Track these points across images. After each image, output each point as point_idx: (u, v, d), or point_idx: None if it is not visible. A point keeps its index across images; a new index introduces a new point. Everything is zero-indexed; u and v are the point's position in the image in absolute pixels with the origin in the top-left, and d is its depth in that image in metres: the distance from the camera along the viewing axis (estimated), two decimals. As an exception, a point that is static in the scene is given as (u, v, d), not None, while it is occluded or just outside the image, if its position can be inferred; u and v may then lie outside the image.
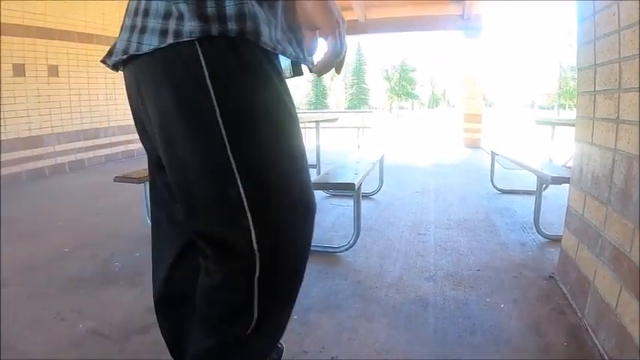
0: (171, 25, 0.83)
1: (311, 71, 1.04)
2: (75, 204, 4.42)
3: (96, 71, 7.22)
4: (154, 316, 1.68)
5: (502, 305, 2.00)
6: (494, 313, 1.93)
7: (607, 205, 1.65)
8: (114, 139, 7.70)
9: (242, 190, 0.88)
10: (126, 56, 0.89)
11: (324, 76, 1.06)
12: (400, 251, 2.74)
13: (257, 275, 0.92)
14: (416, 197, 4.30)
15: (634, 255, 1.39)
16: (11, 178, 5.72)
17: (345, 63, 1.09)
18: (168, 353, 1.59)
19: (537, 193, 2.94)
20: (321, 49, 1.01)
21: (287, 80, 1.00)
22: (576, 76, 2.13)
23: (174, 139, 0.90)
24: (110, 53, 1.01)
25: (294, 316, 1.93)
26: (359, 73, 70.99)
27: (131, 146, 8.11)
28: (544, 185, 2.96)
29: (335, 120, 5.33)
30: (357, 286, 2.22)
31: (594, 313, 1.69)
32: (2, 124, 5.65)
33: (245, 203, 0.88)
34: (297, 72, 1.06)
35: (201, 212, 0.94)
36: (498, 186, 4.56)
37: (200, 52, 0.83)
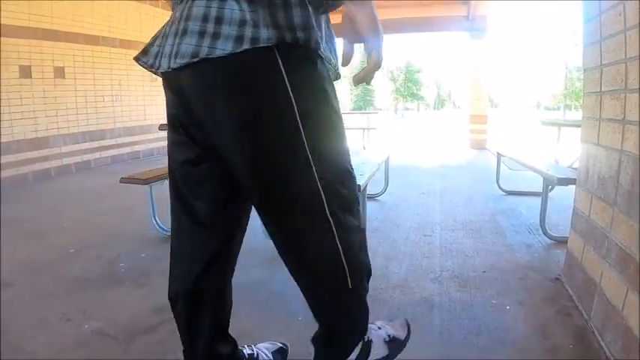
0: (247, 32, 0.91)
1: (337, 79, 1.16)
2: (81, 205, 4.44)
3: (102, 73, 7.25)
4: (160, 317, 1.69)
5: (508, 307, 1.99)
6: (499, 314, 1.93)
7: (613, 206, 1.64)
8: (120, 141, 7.73)
9: (315, 171, 1.03)
10: (196, 59, 0.94)
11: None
12: (405, 252, 2.74)
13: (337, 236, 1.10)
14: (421, 198, 4.29)
15: (641, 256, 1.38)
16: (18, 179, 5.76)
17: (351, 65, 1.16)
18: (173, 353, 1.60)
19: (543, 195, 2.93)
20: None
21: None
22: (582, 77, 2.12)
23: (255, 134, 0.99)
24: (145, 52, 1.09)
25: (298, 317, 1.93)
26: (364, 74, 70.22)
27: (137, 147, 8.15)
28: (550, 186, 2.94)
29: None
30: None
31: (600, 315, 1.68)
32: (9, 125, 5.69)
33: (318, 184, 1.04)
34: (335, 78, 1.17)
35: (278, 191, 1.07)
36: (504, 187, 4.54)
37: (278, 57, 0.94)
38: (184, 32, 0.97)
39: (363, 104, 65.95)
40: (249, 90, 0.97)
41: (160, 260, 2.69)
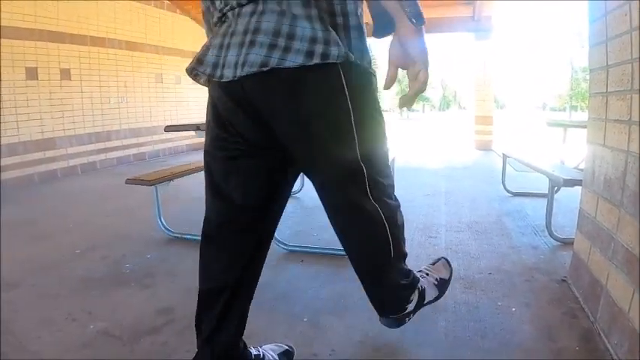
0: (318, 48, 1.05)
1: None
2: (86, 206, 4.46)
3: (107, 74, 7.29)
4: (165, 318, 1.69)
5: (514, 309, 1.98)
6: (505, 316, 1.92)
7: (619, 207, 1.63)
8: (125, 142, 7.76)
9: (364, 168, 1.21)
10: (266, 68, 1.05)
11: None
12: (411, 254, 2.70)
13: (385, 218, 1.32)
14: (427, 200, 4.28)
15: (647, 258, 1.37)
16: (24, 180, 5.79)
17: None
18: (178, 354, 1.60)
19: (549, 196, 2.91)
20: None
21: None
22: (588, 78, 2.11)
23: (317, 132, 1.16)
24: (200, 62, 1.21)
25: (303, 319, 1.93)
26: (369, 75, 70.18)
27: (142, 149, 8.18)
28: (556, 188, 2.93)
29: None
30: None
31: (607, 317, 1.67)
32: (15, 126, 5.72)
33: (365, 173, 1.22)
34: None
35: (336, 178, 1.25)
36: (510, 188, 4.52)
37: (341, 72, 1.09)
38: (252, 44, 1.08)
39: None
40: (315, 96, 1.11)
41: (165, 261, 2.70)
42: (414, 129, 22.60)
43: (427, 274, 1.71)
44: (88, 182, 5.97)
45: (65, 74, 6.47)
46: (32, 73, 5.93)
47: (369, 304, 2.02)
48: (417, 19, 1.09)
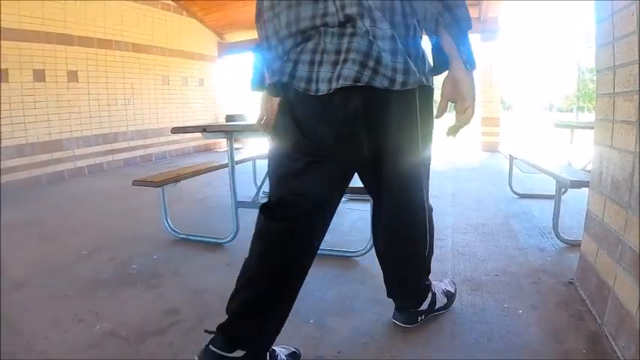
0: (399, 77, 1.29)
1: None
2: (93, 207, 4.48)
3: (114, 76, 7.34)
4: (171, 319, 1.69)
5: (520, 311, 1.97)
6: (512, 318, 1.91)
7: (627, 209, 1.62)
8: (132, 144, 7.80)
9: (423, 175, 1.55)
10: (359, 84, 1.27)
11: None
12: (416, 255, 2.72)
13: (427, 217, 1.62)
14: (433, 201, 4.18)
15: (656, 260, 1.36)
16: (31, 181, 5.84)
17: None
18: (184, 355, 1.61)
19: (556, 198, 2.89)
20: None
21: None
22: (595, 78, 2.10)
23: (397, 144, 1.42)
24: (292, 77, 1.36)
25: (310, 320, 1.93)
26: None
27: (149, 150, 8.22)
28: (563, 189, 2.91)
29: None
30: (374, 290, 2.21)
31: (614, 320, 1.66)
32: (23, 128, 5.77)
33: (424, 179, 1.57)
34: None
35: (406, 183, 1.52)
36: (517, 190, 4.50)
37: (416, 95, 1.36)
38: (345, 61, 1.27)
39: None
40: (396, 114, 1.36)
41: (172, 262, 2.71)
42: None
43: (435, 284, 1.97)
44: (95, 183, 6.00)
45: (72, 76, 6.52)
46: (40, 75, 5.98)
47: (376, 307, 2.03)
48: (470, 64, 1.33)
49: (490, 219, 3.56)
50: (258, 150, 4.96)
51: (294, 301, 1.53)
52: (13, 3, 5.54)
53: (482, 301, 2.08)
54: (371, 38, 1.26)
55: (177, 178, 3.20)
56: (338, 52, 1.29)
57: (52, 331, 1.89)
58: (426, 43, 1.42)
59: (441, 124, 1.57)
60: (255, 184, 4.51)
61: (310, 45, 1.33)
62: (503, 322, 1.87)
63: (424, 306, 1.83)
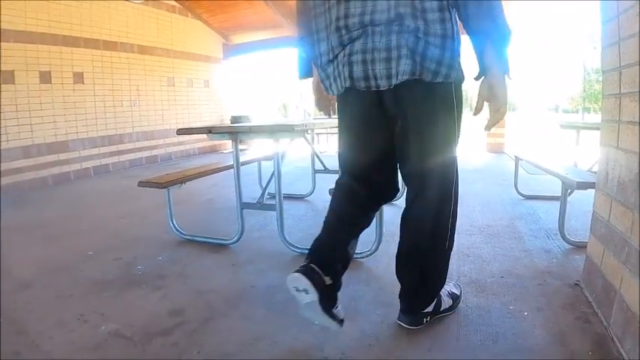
0: (442, 70, 1.49)
1: None
2: (99, 208, 4.49)
3: (120, 78, 7.36)
4: (176, 319, 1.69)
5: (526, 313, 1.96)
6: (517, 321, 1.90)
7: (633, 210, 1.61)
8: (138, 145, 7.83)
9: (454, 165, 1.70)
10: (414, 77, 1.48)
11: None
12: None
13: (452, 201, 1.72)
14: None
15: (662, 262, 1.35)
16: (38, 182, 5.87)
17: None
18: (188, 355, 1.61)
19: (562, 199, 2.88)
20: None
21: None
22: (601, 79, 2.09)
23: (436, 122, 1.60)
24: (352, 79, 1.56)
25: (315, 321, 1.92)
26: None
27: (155, 152, 8.24)
28: (569, 190, 2.89)
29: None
30: (379, 292, 2.21)
31: (620, 322, 1.65)
32: (29, 129, 5.80)
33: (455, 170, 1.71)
34: None
35: (435, 160, 1.64)
36: (522, 191, 4.48)
37: (453, 87, 1.58)
38: (399, 58, 1.46)
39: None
40: (441, 103, 1.58)
41: (177, 263, 2.71)
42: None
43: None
44: (101, 184, 6.02)
45: (78, 78, 6.55)
46: (46, 77, 6.01)
47: (381, 308, 2.03)
48: (506, 72, 1.50)
49: (495, 220, 3.55)
50: (263, 151, 4.97)
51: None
52: (20, 6, 5.58)
53: (488, 303, 2.07)
54: (420, 35, 1.44)
55: (182, 180, 3.21)
56: (389, 50, 1.47)
57: (57, 331, 1.90)
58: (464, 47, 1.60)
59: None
60: (261, 186, 4.52)
61: (358, 45, 1.51)
62: (509, 324, 1.87)
63: (429, 308, 1.84)
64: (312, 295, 1.57)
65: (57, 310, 2.11)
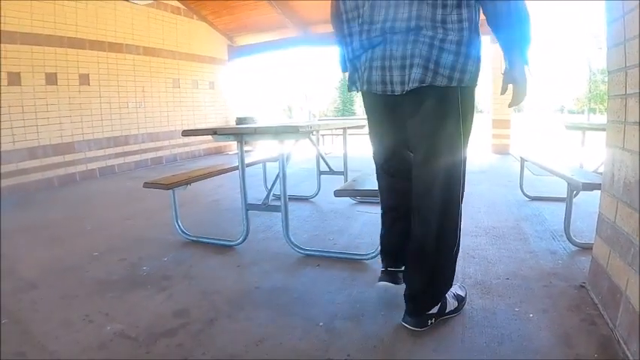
0: (456, 75, 1.61)
1: None
2: (104, 209, 4.51)
3: (125, 80, 7.39)
4: (181, 320, 1.70)
5: (531, 315, 1.96)
6: (523, 322, 1.89)
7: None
8: (143, 146, 7.85)
9: (463, 155, 1.78)
10: (424, 84, 1.62)
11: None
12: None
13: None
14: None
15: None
16: (43, 183, 5.89)
17: None
18: (193, 356, 1.61)
19: (568, 200, 2.87)
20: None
21: None
22: (606, 80, 2.08)
23: (443, 124, 1.70)
24: (370, 82, 1.76)
25: (319, 323, 1.93)
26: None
27: (160, 153, 8.26)
28: (575, 192, 2.88)
29: (362, 127, 5.31)
30: (384, 293, 2.20)
31: (626, 324, 1.64)
32: (35, 130, 5.82)
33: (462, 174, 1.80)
34: None
35: (440, 162, 1.74)
36: (528, 192, 4.46)
37: (459, 91, 1.66)
38: (412, 66, 1.62)
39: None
40: (447, 105, 1.67)
41: (182, 264, 2.72)
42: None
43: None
44: (107, 186, 6.05)
45: (84, 79, 6.58)
46: (52, 79, 6.04)
47: (385, 310, 2.03)
48: (527, 63, 1.63)
49: (501, 222, 3.53)
50: (268, 153, 4.97)
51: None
52: (26, 8, 5.61)
53: (493, 305, 2.06)
54: (435, 43, 1.58)
55: (187, 181, 3.22)
56: (404, 57, 1.63)
57: (62, 331, 1.91)
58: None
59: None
60: (266, 187, 4.52)
61: (378, 52, 1.69)
62: (514, 325, 1.86)
63: (434, 309, 1.85)
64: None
65: (62, 310, 2.12)
